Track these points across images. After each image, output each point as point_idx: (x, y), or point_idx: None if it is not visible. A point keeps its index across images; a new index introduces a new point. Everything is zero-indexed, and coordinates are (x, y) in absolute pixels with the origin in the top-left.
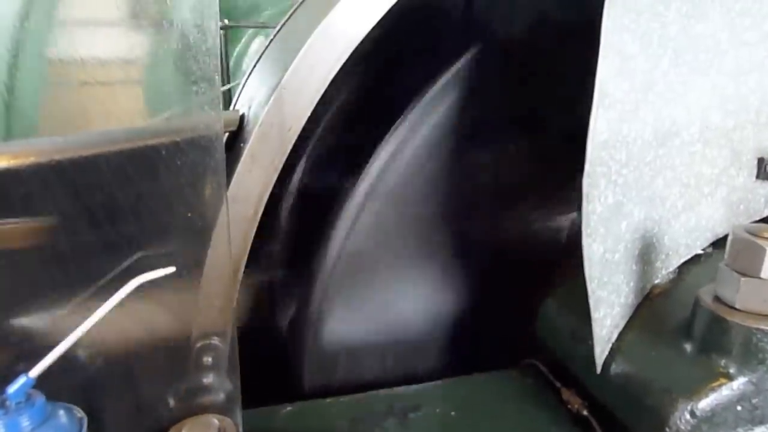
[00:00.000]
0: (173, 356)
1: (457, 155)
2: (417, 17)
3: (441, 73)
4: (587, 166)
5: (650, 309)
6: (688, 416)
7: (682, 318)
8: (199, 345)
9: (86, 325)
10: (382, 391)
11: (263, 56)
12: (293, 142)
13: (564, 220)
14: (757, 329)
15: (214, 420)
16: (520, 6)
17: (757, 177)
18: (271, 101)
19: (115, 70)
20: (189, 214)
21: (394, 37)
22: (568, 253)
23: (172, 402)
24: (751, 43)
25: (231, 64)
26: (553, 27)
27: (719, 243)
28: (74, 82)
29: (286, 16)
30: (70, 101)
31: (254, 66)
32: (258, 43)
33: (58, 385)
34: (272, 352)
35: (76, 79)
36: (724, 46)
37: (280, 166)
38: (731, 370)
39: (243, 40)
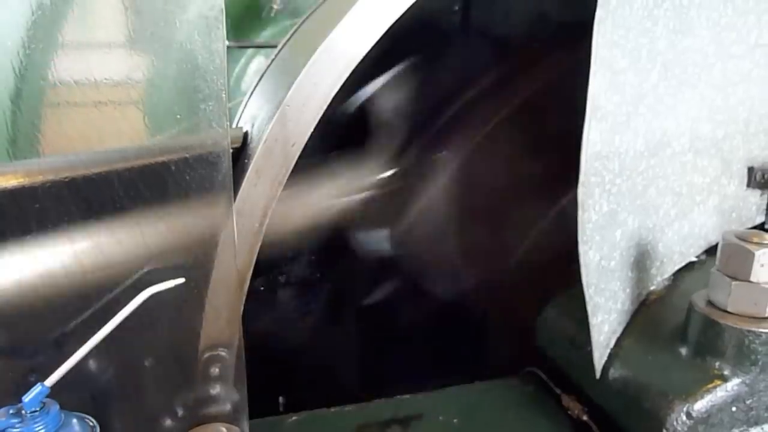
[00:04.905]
0: (181, 367)
1: None
2: None
3: None
4: (582, 176)
5: (646, 315)
6: (684, 418)
7: (677, 323)
8: (206, 356)
9: (98, 336)
10: (386, 400)
11: (265, 75)
12: (297, 157)
13: None
14: (749, 331)
15: (222, 429)
16: None
17: (748, 186)
18: (275, 118)
19: (126, 90)
20: (197, 228)
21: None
22: None
23: (179, 412)
24: (737, 55)
25: (231, 83)
26: None
27: (712, 251)
28: (87, 102)
29: (286, 37)
30: (82, 121)
31: (256, 85)
32: (257, 63)
33: (70, 394)
34: None
35: (88, 99)
36: (712, 59)
37: (284, 181)
38: (725, 372)
39: (242, 60)
